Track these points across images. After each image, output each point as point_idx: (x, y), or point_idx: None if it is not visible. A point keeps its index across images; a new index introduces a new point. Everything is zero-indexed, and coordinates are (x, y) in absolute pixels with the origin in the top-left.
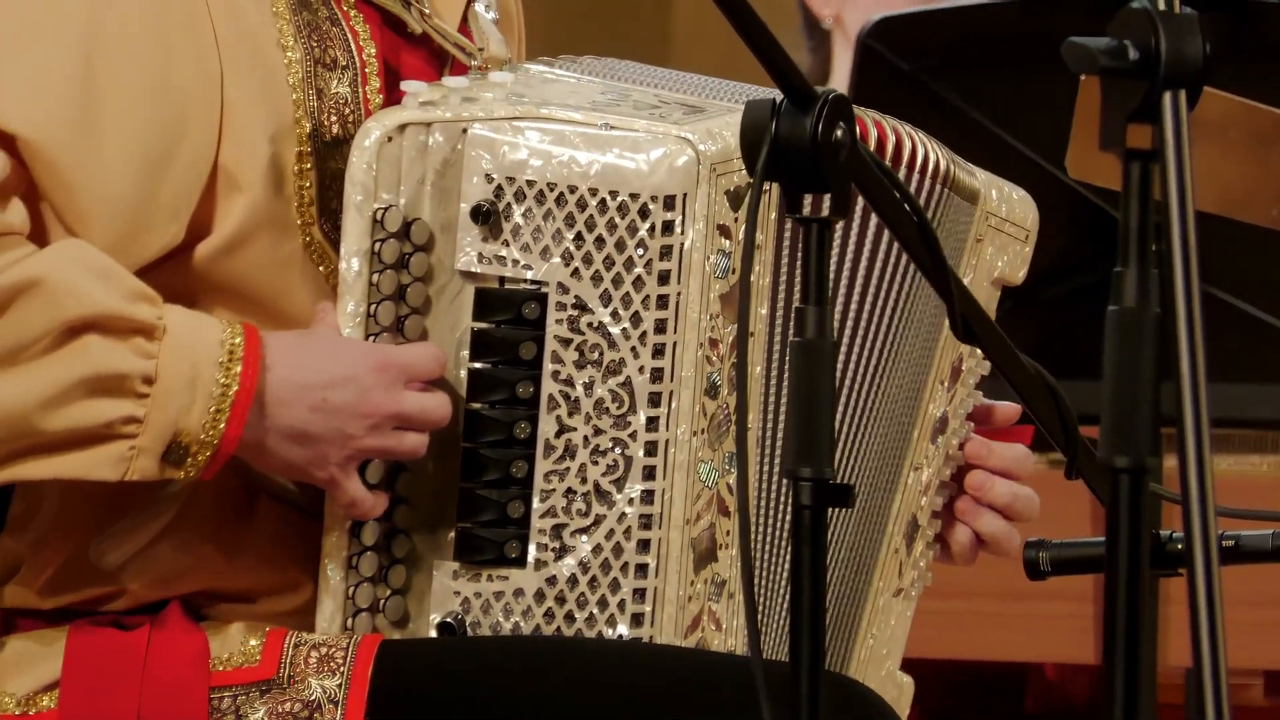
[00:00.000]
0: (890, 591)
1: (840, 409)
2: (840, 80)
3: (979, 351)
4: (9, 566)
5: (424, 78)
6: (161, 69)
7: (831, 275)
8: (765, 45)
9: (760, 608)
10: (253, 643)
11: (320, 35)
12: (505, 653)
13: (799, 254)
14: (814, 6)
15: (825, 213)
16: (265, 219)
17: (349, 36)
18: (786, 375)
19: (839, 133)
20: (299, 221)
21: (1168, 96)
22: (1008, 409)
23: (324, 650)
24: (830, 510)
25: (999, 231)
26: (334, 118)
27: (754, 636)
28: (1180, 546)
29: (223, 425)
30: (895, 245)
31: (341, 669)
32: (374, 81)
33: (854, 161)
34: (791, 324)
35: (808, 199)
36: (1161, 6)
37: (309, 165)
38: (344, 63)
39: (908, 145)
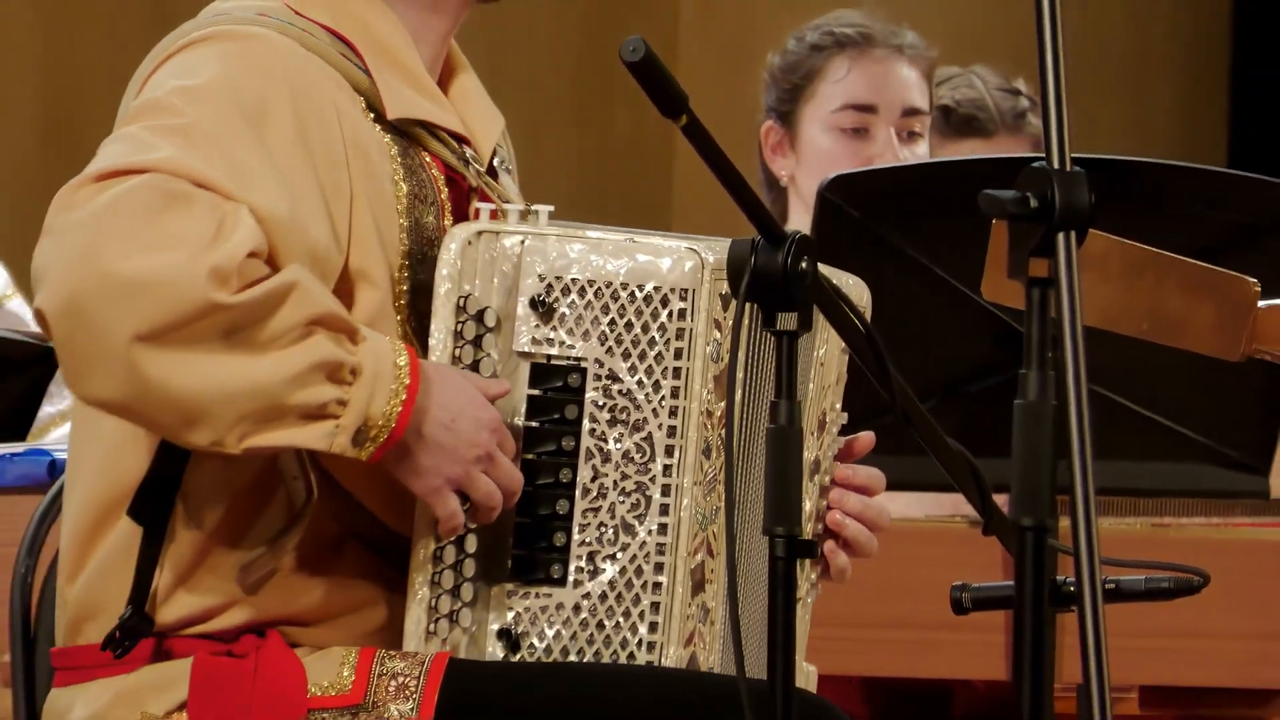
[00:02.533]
0: None
1: (739, 457)
2: (793, 226)
3: (838, 405)
4: (170, 587)
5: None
6: (319, 188)
7: (754, 360)
8: (749, 199)
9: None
10: (345, 673)
11: (418, 177)
12: (555, 676)
13: (766, 358)
14: (773, 168)
15: (794, 327)
16: (380, 310)
17: (432, 180)
18: (747, 450)
19: (803, 265)
20: (398, 318)
21: (1061, 236)
22: (865, 437)
23: (400, 680)
24: (745, 538)
25: None
26: (425, 239)
27: (739, 659)
28: (1072, 589)
29: (395, 416)
30: (760, 341)
31: (414, 695)
32: (448, 216)
33: (814, 287)
34: (748, 412)
35: (780, 316)
36: (1056, 166)
37: (406, 274)
38: (431, 199)
39: None
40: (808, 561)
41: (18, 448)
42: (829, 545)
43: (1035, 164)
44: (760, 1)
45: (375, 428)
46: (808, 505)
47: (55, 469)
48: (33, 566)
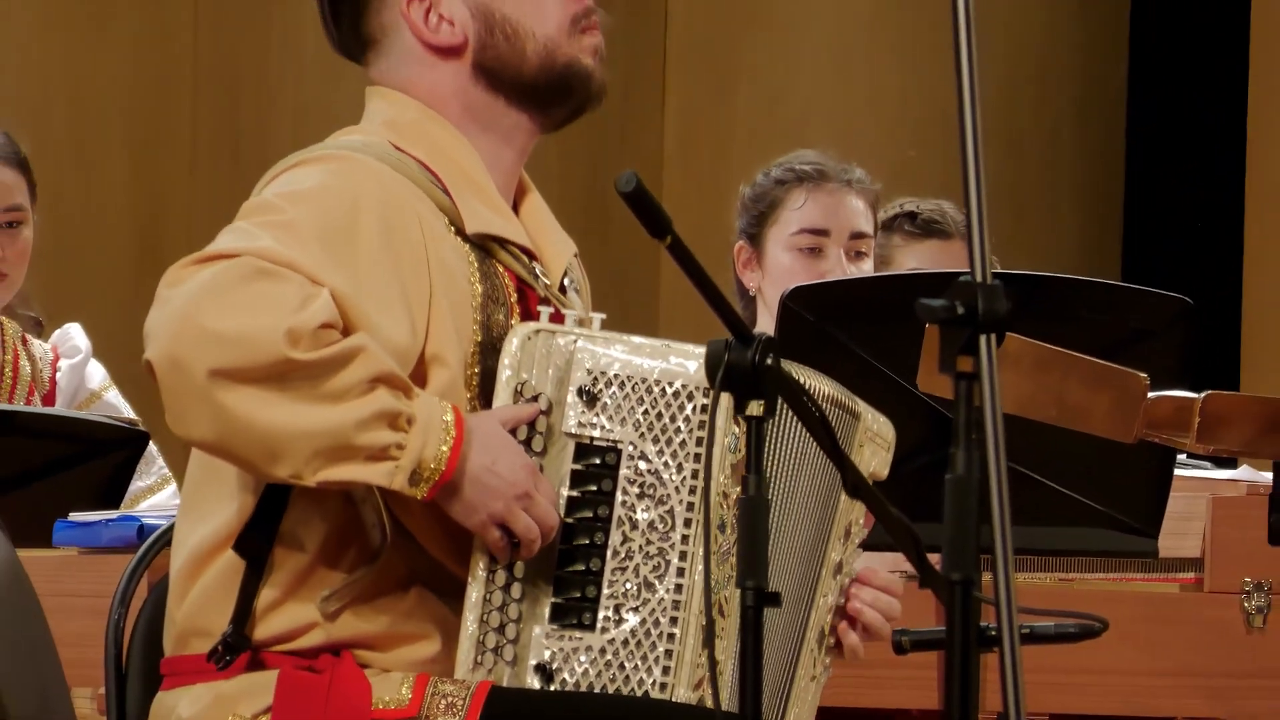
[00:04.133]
0: (808, 678)
1: (780, 560)
2: (760, 328)
3: (861, 520)
4: (265, 610)
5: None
6: (401, 284)
7: (788, 469)
8: (723, 306)
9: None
10: (404, 691)
11: (492, 281)
12: (583, 705)
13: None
14: (744, 281)
15: (761, 413)
16: (451, 387)
17: (504, 286)
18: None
19: (769, 360)
20: (468, 395)
21: (983, 338)
22: (892, 582)
23: (450, 698)
24: (783, 628)
25: (872, 441)
26: (495, 334)
27: (715, 692)
28: (994, 633)
29: (445, 460)
30: (797, 454)
31: (460, 711)
32: (516, 317)
33: (779, 379)
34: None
35: (750, 404)
36: (978, 280)
37: (476, 359)
38: (502, 300)
39: (820, 388)
40: (824, 645)
41: (111, 514)
42: (842, 626)
43: (961, 278)
44: (732, 142)
45: (428, 469)
46: (830, 599)
47: (143, 532)
48: (124, 615)
